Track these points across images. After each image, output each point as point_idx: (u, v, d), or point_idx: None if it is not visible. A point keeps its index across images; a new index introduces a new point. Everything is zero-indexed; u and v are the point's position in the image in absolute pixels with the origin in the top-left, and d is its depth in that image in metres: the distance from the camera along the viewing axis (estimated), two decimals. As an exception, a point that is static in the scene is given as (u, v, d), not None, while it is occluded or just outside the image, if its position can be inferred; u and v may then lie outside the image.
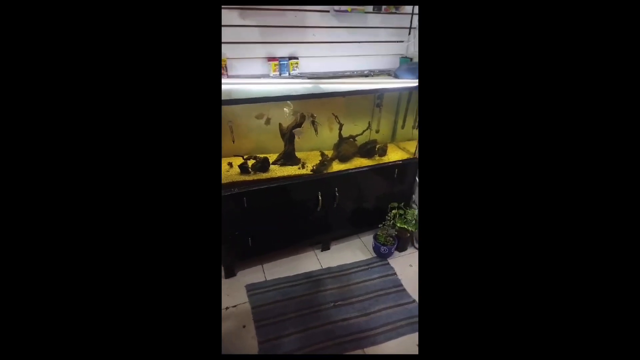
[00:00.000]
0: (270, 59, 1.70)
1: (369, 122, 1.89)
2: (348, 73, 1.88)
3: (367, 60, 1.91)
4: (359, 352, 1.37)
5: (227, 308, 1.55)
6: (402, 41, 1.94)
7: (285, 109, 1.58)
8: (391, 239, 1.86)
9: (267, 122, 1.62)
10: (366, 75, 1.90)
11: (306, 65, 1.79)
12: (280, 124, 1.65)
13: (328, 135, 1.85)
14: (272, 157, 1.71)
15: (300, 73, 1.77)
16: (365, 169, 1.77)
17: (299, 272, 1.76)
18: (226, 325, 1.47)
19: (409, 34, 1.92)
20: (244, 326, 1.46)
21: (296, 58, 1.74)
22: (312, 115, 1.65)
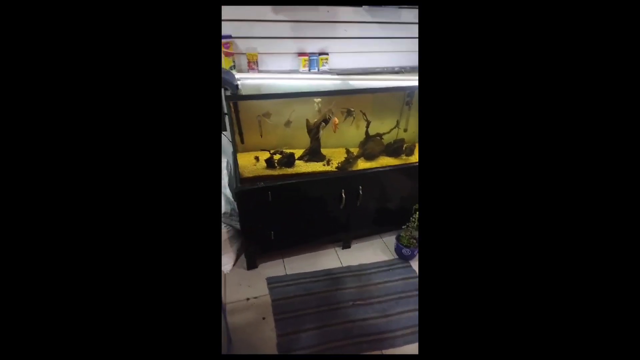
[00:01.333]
0: (301, 54, 1.70)
1: (397, 120, 1.85)
2: (378, 69, 1.84)
3: (399, 56, 1.86)
4: (377, 353, 1.36)
5: (248, 299, 1.58)
6: (436, 37, 1.87)
7: (316, 100, 1.56)
8: (414, 240, 1.81)
9: (287, 124, 1.62)
10: (397, 72, 1.85)
11: (336, 61, 1.77)
12: (307, 120, 1.65)
13: (354, 133, 1.83)
14: (298, 153, 1.71)
15: (330, 69, 1.76)
16: (391, 168, 1.74)
17: (319, 269, 1.76)
18: (246, 316, 1.50)
19: (444, 30, 1.84)
20: (264, 318, 1.48)
21: (326, 54, 1.73)
22: (349, 110, 1.64)
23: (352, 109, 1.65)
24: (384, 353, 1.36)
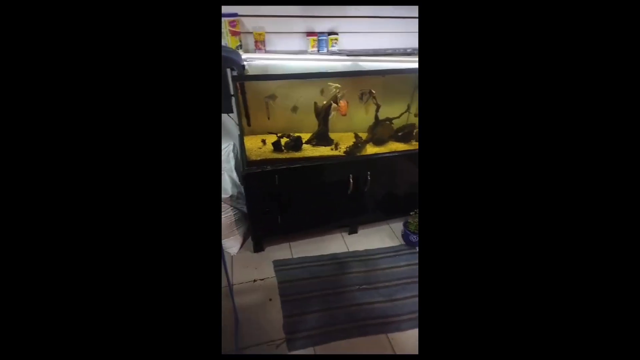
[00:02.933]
0: (309, 34, 1.64)
1: (408, 104, 1.79)
2: (390, 51, 1.78)
3: (412, 37, 1.79)
4: (382, 336, 1.37)
5: (254, 280, 1.60)
6: (451, 17, 1.79)
7: (332, 84, 1.52)
8: (422, 227, 1.80)
9: (294, 109, 1.59)
10: (409, 54, 1.78)
11: (346, 41, 1.71)
12: (315, 103, 1.61)
13: (363, 117, 1.79)
14: (306, 137, 1.69)
15: (340, 50, 1.70)
16: (400, 153, 1.70)
17: (325, 253, 1.77)
18: (253, 297, 1.52)
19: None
20: (270, 299, 1.51)
21: (336, 34, 1.67)
22: (371, 92, 1.58)
23: (373, 91, 1.60)
24: (389, 336, 1.37)
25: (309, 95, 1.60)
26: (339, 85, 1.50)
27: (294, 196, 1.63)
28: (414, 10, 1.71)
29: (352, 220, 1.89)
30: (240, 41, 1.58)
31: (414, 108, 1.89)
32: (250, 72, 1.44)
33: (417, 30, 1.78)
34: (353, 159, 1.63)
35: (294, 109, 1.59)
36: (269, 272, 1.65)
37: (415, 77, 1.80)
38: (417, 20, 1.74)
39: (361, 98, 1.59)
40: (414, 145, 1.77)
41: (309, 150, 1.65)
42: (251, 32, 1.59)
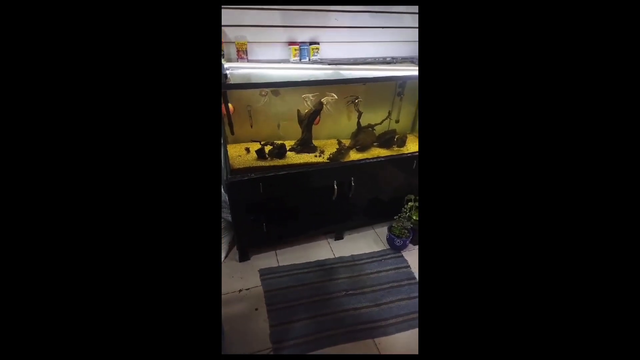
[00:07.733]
0: (291, 43, 1.67)
1: (389, 111, 1.84)
2: (369, 59, 1.82)
3: (390, 46, 1.85)
4: (369, 341, 1.37)
5: (240, 290, 1.58)
6: (427, 27, 1.86)
7: (331, 94, 1.56)
8: (406, 231, 1.83)
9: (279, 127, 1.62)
10: (388, 63, 1.84)
11: (327, 50, 1.75)
12: (298, 111, 1.63)
13: (346, 124, 1.82)
14: (289, 144, 1.70)
15: (321, 59, 1.73)
16: (382, 159, 1.74)
17: (312, 260, 1.77)
18: (239, 307, 1.50)
19: (436, 19, 1.83)
20: (257, 309, 1.48)
21: (317, 43, 1.71)
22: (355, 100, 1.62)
23: (359, 98, 1.63)
24: (376, 341, 1.37)
25: (292, 104, 1.62)
26: (335, 96, 1.55)
27: (278, 204, 1.63)
28: (391, 20, 1.77)
29: (337, 226, 1.90)
30: (223, 50, 1.59)
31: (395, 114, 1.95)
32: (233, 81, 1.45)
33: (395, 40, 1.84)
34: (337, 165, 1.65)
35: (278, 127, 1.62)
36: (254, 281, 1.63)
37: (394, 85, 1.85)
38: (395, 30, 1.81)
39: (352, 103, 1.62)
40: (395, 150, 1.81)
41: (293, 158, 1.66)
42: (233, 42, 1.60)
